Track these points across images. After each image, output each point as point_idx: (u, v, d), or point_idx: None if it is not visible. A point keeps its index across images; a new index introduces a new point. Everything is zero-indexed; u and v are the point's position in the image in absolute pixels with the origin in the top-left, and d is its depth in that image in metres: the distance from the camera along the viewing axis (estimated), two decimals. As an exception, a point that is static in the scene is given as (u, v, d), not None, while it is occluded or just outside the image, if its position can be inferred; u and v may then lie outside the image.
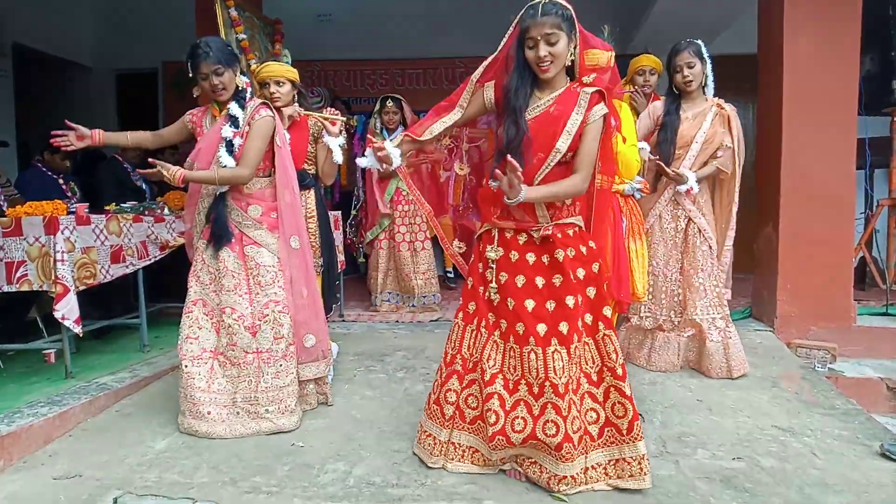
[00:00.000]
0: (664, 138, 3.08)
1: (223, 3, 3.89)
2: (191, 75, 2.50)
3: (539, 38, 1.90)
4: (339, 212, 4.65)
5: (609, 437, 2.04)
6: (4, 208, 3.44)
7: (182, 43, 4.73)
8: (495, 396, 2.03)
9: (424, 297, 4.64)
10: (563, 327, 1.99)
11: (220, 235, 2.51)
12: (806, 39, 3.61)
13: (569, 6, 1.95)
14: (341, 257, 4.47)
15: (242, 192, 2.56)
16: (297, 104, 3.08)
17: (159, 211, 3.79)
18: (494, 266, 2.08)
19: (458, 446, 2.15)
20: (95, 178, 4.61)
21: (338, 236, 4.43)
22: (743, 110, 6.36)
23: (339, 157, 3.05)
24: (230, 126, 2.47)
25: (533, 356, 1.99)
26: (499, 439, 2.01)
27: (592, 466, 2.02)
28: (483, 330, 2.10)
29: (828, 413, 2.67)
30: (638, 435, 2.02)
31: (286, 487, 2.11)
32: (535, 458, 2.05)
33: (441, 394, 2.15)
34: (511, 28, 2.02)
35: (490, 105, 2.10)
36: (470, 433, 2.13)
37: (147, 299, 3.62)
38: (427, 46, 6.42)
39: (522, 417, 2.01)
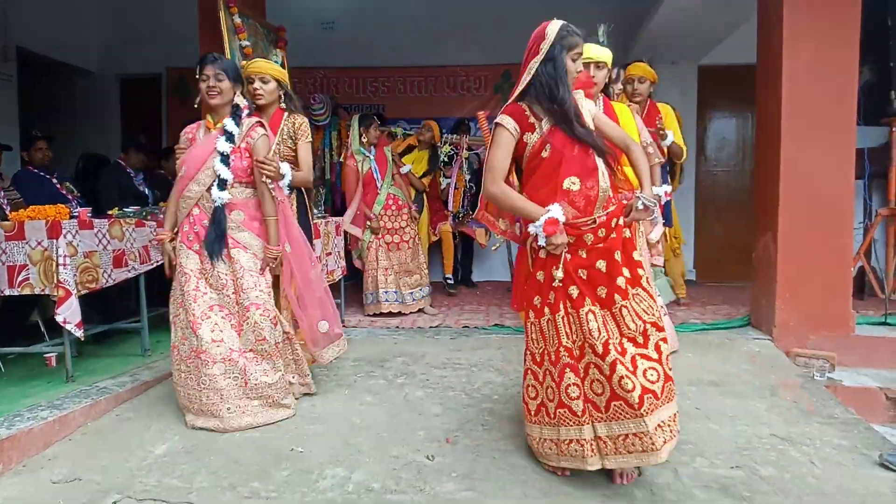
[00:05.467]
0: None
1: (227, 10, 3.92)
2: (196, 76, 2.65)
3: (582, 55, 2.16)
4: (341, 217, 4.68)
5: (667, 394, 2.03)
6: (7, 212, 3.45)
7: (185, 49, 4.77)
8: (619, 364, 1.96)
9: (423, 289, 4.84)
10: (621, 281, 2.05)
11: (214, 241, 2.61)
12: (805, 50, 3.63)
13: None
14: (343, 263, 4.49)
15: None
16: (282, 104, 3.11)
17: (162, 216, 3.80)
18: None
19: (605, 440, 2.01)
20: (98, 182, 4.63)
21: (339, 242, 4.45)
22: (741, 120, 6.44)
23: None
24: (226, 140, 2.64)
25: (625, 311, 2.02)
26: (647, 398, 1.94)
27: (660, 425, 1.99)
28: (572, 311, 2.05)
29: (826, 422, 2.67)
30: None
31: (285, 493, 2.11)
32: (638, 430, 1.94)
33: (563, 394, 2.04)
34: (550, 39, 2.10)
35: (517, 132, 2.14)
36: (610, 421, 1.99)
37: (148, 304, 3.63)
38: (429, 54, 6.47)
39: (651, 367, 1.99)
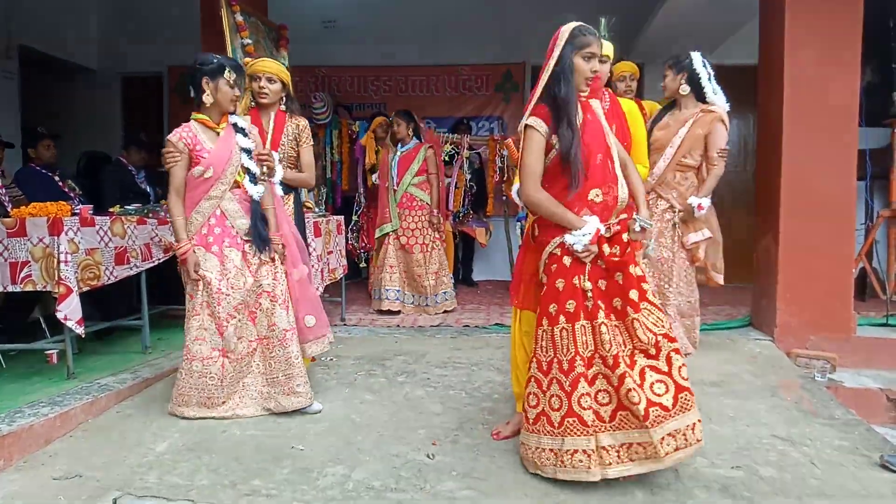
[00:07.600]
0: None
1: (229, 8, 3.92)
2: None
3: (597, 55, 2.14)
4: (342, 216, 4.68)
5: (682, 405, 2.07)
6: (9, 209, 3.45)
7: (187, 47, 4.77)
8: (627, 377, 2.00)
9: (437, 295, 4.73)
10: (634, 294, 2.09)
11: (265, 235, 2.70)
12: (807, 50, 3.63)
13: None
14: (344, 261, 4.49)
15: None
16: (282, 106, 3.12)
17: (163, 214, 3.80)
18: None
19: (608, 449, 2.04)
20: (99, 180, 4.63)
21: (340, 240, 4.45)
22: (743, 121, 6.43)
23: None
24: (243, 136, 2.69)
25: (637, 324, 2.05)
26: (653, 410, 1.97)
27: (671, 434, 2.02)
28: (585, 322, 2.08)
29: (827, 423, 2.67)
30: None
31: (285, 490, 2.11)
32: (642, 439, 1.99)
33: (576, 403, 2.04)
34: (562, 41, 2.13)
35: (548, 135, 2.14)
36: (615, 431, 2.04)
37: (149, 301, 3.63)
38: (431, 53, 6.47)
39: (659, 380, 2.03)
